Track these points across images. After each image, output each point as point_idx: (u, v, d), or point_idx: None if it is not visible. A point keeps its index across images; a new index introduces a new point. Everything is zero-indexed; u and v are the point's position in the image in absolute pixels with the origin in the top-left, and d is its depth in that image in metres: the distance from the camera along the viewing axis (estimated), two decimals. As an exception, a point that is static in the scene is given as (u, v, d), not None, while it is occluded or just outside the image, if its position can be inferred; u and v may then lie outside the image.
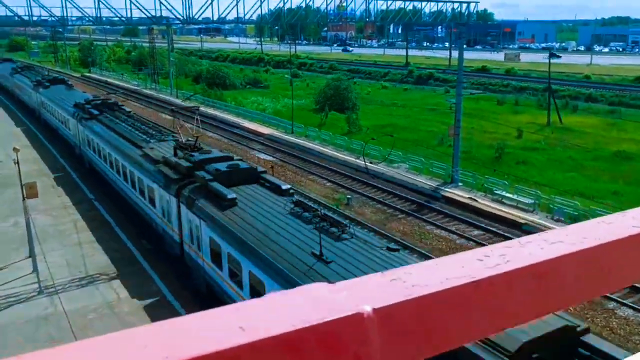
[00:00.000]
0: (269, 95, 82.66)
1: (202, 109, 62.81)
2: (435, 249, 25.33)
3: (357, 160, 38.62)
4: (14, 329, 17.65)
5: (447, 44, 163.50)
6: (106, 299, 19.54)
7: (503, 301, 0.93)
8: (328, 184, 35.29)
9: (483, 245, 24.58)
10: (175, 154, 22.72)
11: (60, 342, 16.66)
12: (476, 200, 30.24)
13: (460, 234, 26.79)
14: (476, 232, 27.09)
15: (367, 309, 0.77)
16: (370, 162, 36.73)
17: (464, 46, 38.33)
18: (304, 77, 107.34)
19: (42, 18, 56.37)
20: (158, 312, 18.70)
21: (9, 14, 50.55)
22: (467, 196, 30.90)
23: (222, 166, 19.23)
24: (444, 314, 0.86)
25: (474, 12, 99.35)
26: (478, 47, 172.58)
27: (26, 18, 49.57)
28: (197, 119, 28.73)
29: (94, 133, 32.12)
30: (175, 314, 18.56)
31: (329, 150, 42.39)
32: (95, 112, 34.34)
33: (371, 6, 63.10)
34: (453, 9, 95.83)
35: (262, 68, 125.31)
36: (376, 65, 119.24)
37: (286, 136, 48.17)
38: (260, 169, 20.08)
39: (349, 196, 31.96)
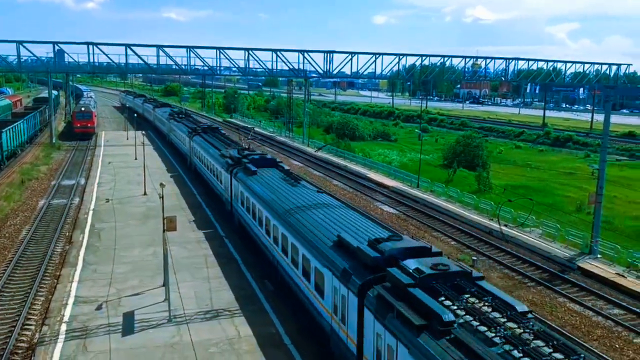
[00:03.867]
0: (396, 149, 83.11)
1: (331, 158, 64.56)
2: (568, 324, 23.36)
3: (487, 221, 37.14)
4: (145, 353, 18.79)
5: (588, 106, 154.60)
6: (227, 334, 20.21)
7: None
8: (452, 242, 34.23)
9: (624, 326, 22.04)
10: None
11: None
12: (624, 277, 27.54)
13: (598, 310, 24.48)
14: (617, 310, 24.62)
15: None
16: (506, 226, 35.01)
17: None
18: (433, 133, 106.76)
19: (196, 67, 62.02)
20: (274, 353, 19.00)
21: (169, 62, 56.43)
22: (613, 272, 28.23)
23: (424, 265, 14.32)
24: None
25: (623, 74, 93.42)
26: (624, 110, 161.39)
27: (184, 67, 55.00)
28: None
29: (251, 192, 29.03)
30: (290, 357, 18.75)
31: (455, 208, 41.30)
32: (253, 167, 31.34)
33: (511, 66, 61.76)
34: (597, 70, 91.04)
35: (392, 122, 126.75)
36: (510, 124, 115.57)
37: (411, 190, 47.78)
38: (475, 273, 14.54)
39: (474, 257, 30.71)
